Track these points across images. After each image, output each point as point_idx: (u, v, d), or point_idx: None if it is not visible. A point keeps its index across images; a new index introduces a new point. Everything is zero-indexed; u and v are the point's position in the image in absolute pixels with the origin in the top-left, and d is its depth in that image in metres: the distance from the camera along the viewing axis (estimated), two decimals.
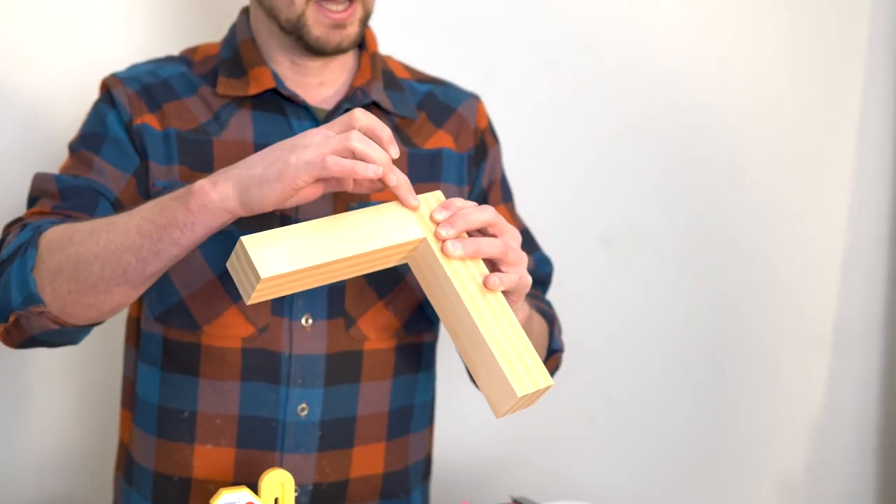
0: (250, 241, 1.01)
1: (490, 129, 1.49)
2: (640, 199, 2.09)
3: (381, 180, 1.07)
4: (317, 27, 1.32)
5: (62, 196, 1.29)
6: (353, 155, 1.05)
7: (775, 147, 2.16)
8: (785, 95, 2.16)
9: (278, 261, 1.01)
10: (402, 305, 1.39)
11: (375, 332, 1.36)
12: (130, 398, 1.43)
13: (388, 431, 1.39)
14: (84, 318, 1.19)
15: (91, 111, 1.39)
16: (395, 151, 1.08)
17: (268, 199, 1.05)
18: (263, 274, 1.00)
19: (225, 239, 1.31)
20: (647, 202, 2.10)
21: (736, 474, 2.25)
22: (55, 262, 1.16)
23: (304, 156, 1.04)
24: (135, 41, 1.74)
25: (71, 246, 1.15)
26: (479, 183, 1.45)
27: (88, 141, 1.35)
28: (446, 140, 1.43)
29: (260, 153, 1.07)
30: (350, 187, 1.09)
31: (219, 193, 1.07)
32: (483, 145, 1.46)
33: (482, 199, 1.45)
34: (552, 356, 1.39)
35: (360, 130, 1.07)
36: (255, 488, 1.10)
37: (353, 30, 1.33)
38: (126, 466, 1.43)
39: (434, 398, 1.50)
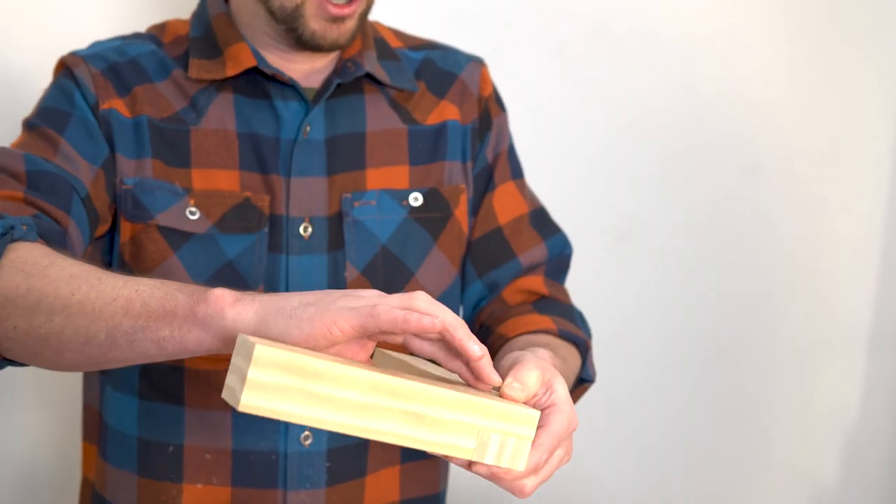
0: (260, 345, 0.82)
1: (495, 97, 1.37)
2: (655, 193, 2.07)
3: (442, 338, 0.88)
4: (315, 20, 1.19)
5: (31, 182, 1.12)
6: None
7: (807, 137, 2.13)
8: (816, 83, 2.12)
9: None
10: None
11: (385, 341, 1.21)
12: (96, 430, 1.30)
13: (402, 454, 1.30)
14: (19, 358, 1.00)
15: (51, 87, 1.24)
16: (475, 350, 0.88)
17: (289, 336, 0.85)
18: (260, 352, 0.80)
19: (207, 245, 1.19)
20: (662, 196, 2.07)
21: (760, 488, 2.21)
22: (13, 286, 0.97)
23: (353, 302, 0.86)
24: (113, 19, 1.65)
25: (41, 279, 0.96)
26: (482, 157, 1.33)
27: (51, 117, 1.20)
28: (451, 111, 1.32)
29: (305, 293, 0.88)
30: (398, 340, 0.90)
31: (236, 312, 0.87)
32: (487, 114, 1.34)
33: (486, 175, 1.33)
34: (580, 386, 1.29)
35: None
36: None
37: (352, 25, 1.21)
38: None
39: None
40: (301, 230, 1.22)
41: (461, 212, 1.29)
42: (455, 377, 0.96)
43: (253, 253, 1.20)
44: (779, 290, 2.16)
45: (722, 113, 2.07)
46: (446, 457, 0.87)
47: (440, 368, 1.00)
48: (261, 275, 1.20)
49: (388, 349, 1.03)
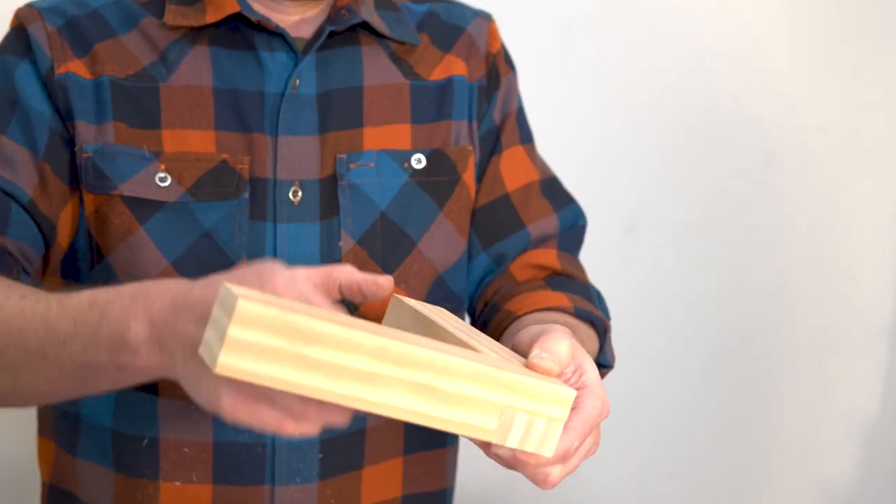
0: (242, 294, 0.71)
1: (504, 54, 1.26)
2: (663, 183, 2.04)
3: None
4: None
5: None
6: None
7: (824, 125, 2.10)
8: (834, 69, 2.09)
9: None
10: (416, 280, 1.16)
11: (383, 310, 1.13)
12: (57, 421, 1.19)
13: (405, 444, 1.19)
14: None
15: None
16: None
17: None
18: (242, 304, 0.69)
19: (181, 215, 1.08)
20: (672, 186, 2.04)
21: (770, 486, 2.20)
22: None
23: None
24: None
25: None
26: (489, 117, 1.22)
27: None
28: (457, 66, 1.21)
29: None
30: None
31: (156, 362, 0.83)
32: (495, 72, 1.24)
33: (493, 137, 1.23)
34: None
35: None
36: None
37: None
38: None
39: None
40: (290, 195, 1.10)
41: (469, 176, 1.19)
42: (480, 340, 0.86)
43: (232, 221, 1.09)
44: (794, 283, 2.13)
45: (735, 99, 2.03)
46: (463, 435, 0.76)
47: (465, 325, 0.90)
48: (242, 245, 1.09)
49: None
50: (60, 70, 1.09)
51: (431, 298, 1.17)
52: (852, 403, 2.21)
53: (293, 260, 1.10)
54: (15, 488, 1.71)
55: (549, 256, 1.21)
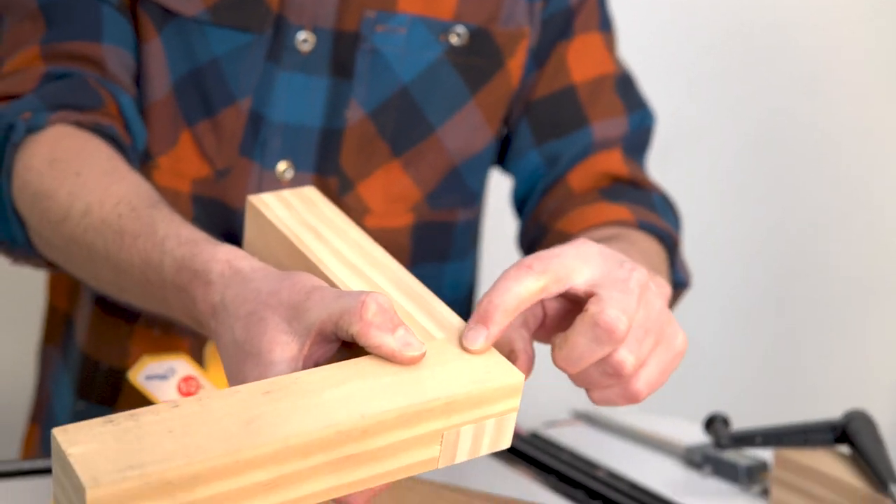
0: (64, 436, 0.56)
1: None
2: (700, 102, 1.93)
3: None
4: None
5: (48, 19, 0.95)
6: None
7: (869, 48, 1.99)
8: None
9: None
10: (427, 169, 1.03)
11: (384, 202, 1.03)
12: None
13: None
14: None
15: None
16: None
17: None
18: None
19: (192, 33, 0.96)
20: (709, 105, 1.94)
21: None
22: (29, 201, 0.87)
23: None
24: None
25: (46, 200, 0.85)
26: None
27: None
28: None
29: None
30: None
31: (203, 316, 0.70)
32: None
33: (563, 19, 1.05)
34: (672, 292, 1.01)
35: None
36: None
37: None
38: (63, 339, 1.12)
39: (472, 297, 1.15)
40: (299, 41, 0.97)
41: (516, 64, 1.02)
42: (373, 268, 0.70)
43: (246, 57, 0.96)
44: (834, 220, 2.03)
45: (780, 23, 1.92)
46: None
47: (353, 236, 0.73)
48: (251, 86, 0.97)
49: None
50: None
51: (443, 192, 1.05)
52: (891, 362, 2.12)
53: (291, 117, 0.98)
54: None
55: (612, 161, 1.05)
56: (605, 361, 0.66)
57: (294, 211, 0.74)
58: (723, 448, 1.00)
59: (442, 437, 0.62)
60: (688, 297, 1.12)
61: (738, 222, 2.01)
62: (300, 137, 0.98)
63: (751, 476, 1.01)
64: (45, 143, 0.86)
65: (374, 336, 0.61)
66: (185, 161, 1.00)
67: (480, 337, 0.64)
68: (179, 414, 0.56)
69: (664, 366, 0.69)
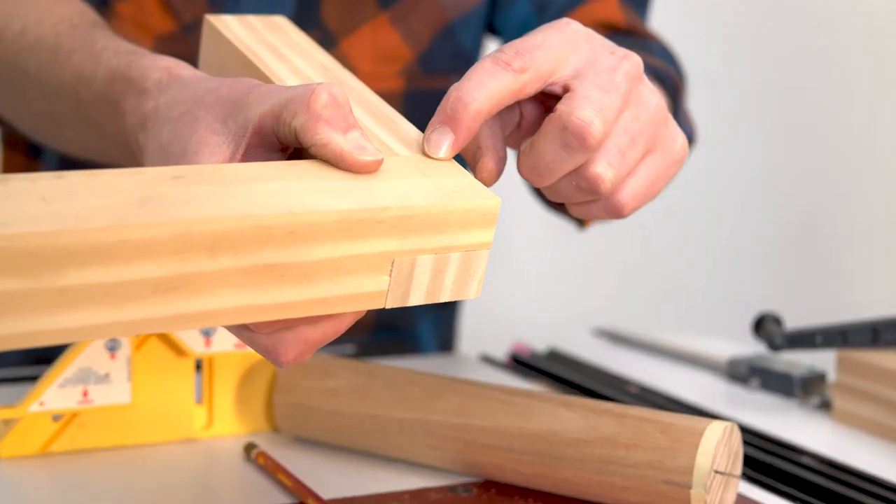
0: None
1: None
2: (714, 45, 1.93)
3: None
4: None
5: None
6: None
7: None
8: None
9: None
10: (418, 25, 0.93)
11: (371, 62, 0.94)
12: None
13: None
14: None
15: None
16: None
17: None
18: None
19: None
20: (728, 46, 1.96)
21: None
22: None
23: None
24: None
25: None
26: None
27: None
28: None
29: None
30: None
31: (132, 131, 0.60)
32: None
33: None
34: None
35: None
36: None
37: None
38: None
39: None
40: None
41: None
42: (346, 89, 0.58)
43: None
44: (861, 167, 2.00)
45: None
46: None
47: (313, 54, 0.62)
48: None
49: None
50: None
51: (435, 52, 0.93)
52: None
53: None
54: None
55: (608, 8, 0.94)
56: (578, 174, 0.55)
57: (257, 32, 0.63)
58: (777, 350, 0.85)
59: (392, 264, 0.49)
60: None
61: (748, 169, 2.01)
62: None
63: (806, 388, 0.86)
64: None
65: (322, 131, 0.49)
66: (147, 12, 0.90)
67: (445, 140, 0.52)
68: (61, 184, 0.43)
69: (656, 175, 0.59)
